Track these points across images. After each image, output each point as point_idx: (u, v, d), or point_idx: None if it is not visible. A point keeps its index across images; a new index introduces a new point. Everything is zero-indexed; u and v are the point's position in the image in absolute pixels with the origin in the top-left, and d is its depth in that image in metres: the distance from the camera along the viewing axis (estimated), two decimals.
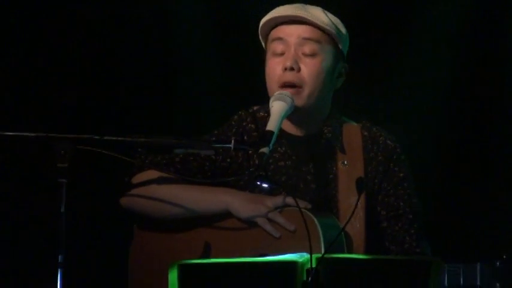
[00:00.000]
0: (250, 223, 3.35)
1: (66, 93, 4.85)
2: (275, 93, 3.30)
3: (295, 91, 3.30)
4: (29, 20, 4.81)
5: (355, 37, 3.66)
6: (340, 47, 3.41)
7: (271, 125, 3.18)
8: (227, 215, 3.38)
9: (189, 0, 5.01)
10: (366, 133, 3.46)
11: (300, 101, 3.32)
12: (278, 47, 3.37)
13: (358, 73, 3.69)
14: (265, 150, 3.10)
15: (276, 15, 3.37)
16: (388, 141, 3.44)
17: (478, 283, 3.15)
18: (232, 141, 3.21)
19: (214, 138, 3.49)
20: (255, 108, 3.53)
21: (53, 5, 4.83)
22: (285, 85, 3.32)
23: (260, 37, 3.46)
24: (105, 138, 3.22)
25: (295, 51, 3.34)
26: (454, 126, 4.92)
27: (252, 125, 3.49)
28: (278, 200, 3.32)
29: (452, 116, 4.93)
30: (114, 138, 3.24)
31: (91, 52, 4.86)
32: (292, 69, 3.31)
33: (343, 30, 3.41)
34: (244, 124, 3.49)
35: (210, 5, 5.01)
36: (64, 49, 4.84)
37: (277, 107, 3.24)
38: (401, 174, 3.43)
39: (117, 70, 4.90)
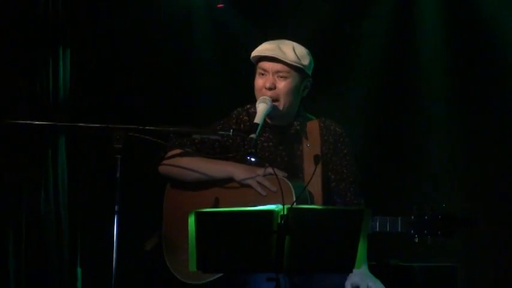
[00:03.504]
0: (246, 185, 3.99)
1: (118, 94, 5.47)
2: (260, 98, 4.01)
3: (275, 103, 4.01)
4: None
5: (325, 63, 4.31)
6: (305, 70, 4.04)
7: (257, 119, 3.93)
8: (230, 179, 4.03)
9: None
10: (322, 124, 4.11)
11: (278, 108, 4.04)
12: (262, 71, 4.03)
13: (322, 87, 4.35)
14: (253, 136, 3.84)
15: (260, 54, 4.01)
16: (337, 129, 4.11)
17: (399, 230, 3.75)
18: (231, 130, 3.93)
19: (220, 127, 4.13)
20: (248, 106, 4.19)
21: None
22: None
23: (251, 59, 4.10)
24: (147, 127, 3.76)
25: (272, 76, 4.01)
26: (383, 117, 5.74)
27: (246, 118, 4.15)
28: (265, 170, 3.96)
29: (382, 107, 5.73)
30: (153, 128, 3.78)
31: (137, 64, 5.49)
32: (270, 88, 4.00)
33: (306, 61, 4.01)
34: (241, 117, 4.17)
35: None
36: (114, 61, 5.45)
37: (261, 107, 3.99)
38: (345, 151, 4.10)
39: (157, 78, 5.57)
